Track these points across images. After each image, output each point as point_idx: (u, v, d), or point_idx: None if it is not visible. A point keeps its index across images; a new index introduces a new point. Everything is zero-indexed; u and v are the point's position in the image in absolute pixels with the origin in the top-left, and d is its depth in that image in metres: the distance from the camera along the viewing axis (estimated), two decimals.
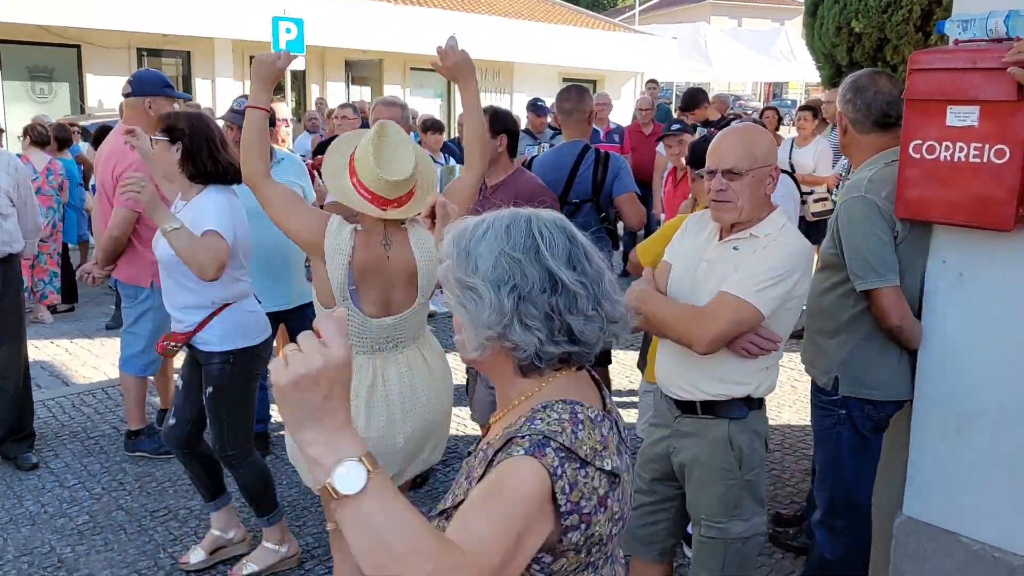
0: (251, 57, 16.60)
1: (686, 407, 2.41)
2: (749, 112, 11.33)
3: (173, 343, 3.24)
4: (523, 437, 1.26)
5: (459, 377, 4.84)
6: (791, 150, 7.27)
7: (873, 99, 2.69)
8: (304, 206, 2.72)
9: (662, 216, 7.41)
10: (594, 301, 1.32)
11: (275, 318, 4.48)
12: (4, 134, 7.23)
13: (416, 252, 2.61)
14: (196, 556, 3.44)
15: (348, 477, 1.06)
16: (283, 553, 3.43)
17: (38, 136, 7.35)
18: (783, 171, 3.83)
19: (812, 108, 7.44)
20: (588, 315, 1.31)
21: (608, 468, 1.29)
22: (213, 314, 3.21)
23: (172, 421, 3.36)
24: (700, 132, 5.65)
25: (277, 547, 3.42)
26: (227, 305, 3.24)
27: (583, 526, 1.26)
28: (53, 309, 7.46)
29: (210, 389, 3.23)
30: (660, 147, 7.58)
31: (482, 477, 1.30)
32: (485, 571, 1.13)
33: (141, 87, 4.29)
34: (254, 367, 3.31)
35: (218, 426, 3.26)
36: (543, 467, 1.21)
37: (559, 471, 1.22)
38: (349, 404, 1.12)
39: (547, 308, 1.29)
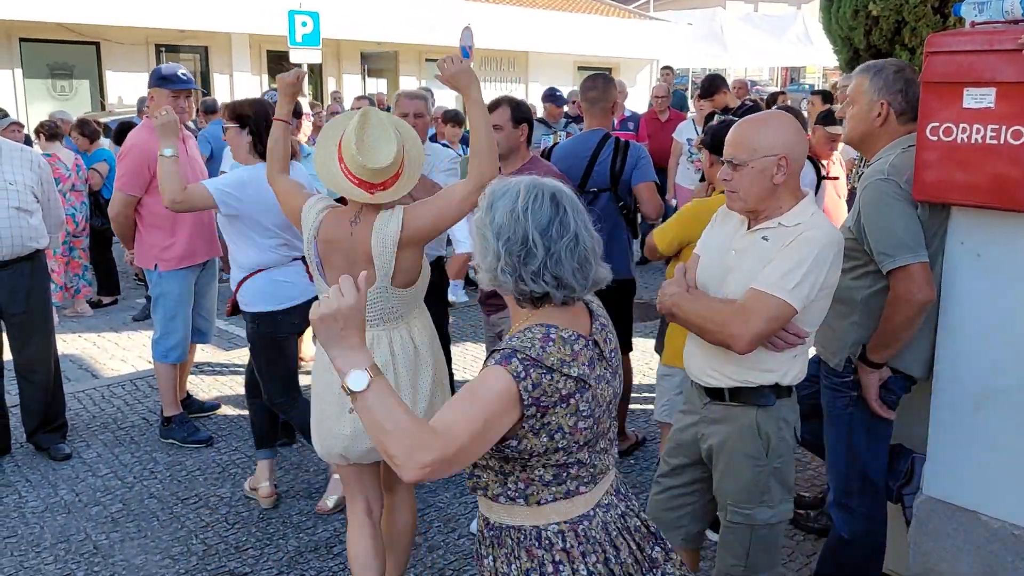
0: (268, 51, 16.74)
1: (715, 394, 2.41)
2: (764, 98, 11.26)
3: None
4: (498, 351, 1.66)
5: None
6: None
7: (916, 92, 2.65)
8: (298, 192, 2.81)
9: (673, 201, 7.43)
10: (547, 263, 1.65)
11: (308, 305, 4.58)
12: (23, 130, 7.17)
13: (374, 236, 2.56)
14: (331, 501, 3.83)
15: (356, 379, 1.54)
16: None
17: (50, 131, 7.15)
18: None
19: (823, 92, 7.39)
20: (537, 271, 1.65)
21: (574, 375, 1.65)
22: (247, 277, 3.62)
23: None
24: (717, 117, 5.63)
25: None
26: (260, 271, 3.61)
27: (539, 414, 1.63)
28: (98, 303, 7.51)
29: (248, 345, 3.74)
30: (675, 133, 7.60)
31: None
32: (450, 447, 1.53)
33: (149, 80, 4.45)
34: (275, 330, 3.64)
35: (260, 378, 3.73)
36: (507, 372, 1.60)
37: (523, 375, 1.60)
38: (362, 334, 1.60)
39: (517, 259, 1.65)
